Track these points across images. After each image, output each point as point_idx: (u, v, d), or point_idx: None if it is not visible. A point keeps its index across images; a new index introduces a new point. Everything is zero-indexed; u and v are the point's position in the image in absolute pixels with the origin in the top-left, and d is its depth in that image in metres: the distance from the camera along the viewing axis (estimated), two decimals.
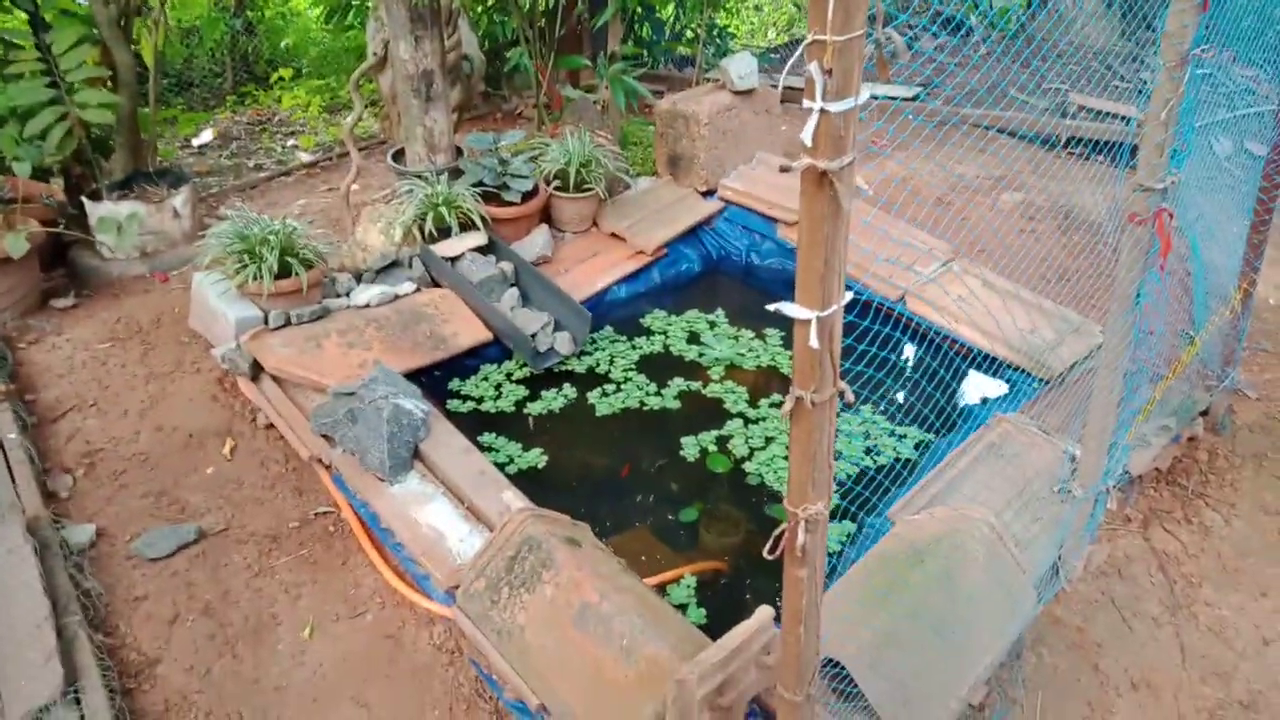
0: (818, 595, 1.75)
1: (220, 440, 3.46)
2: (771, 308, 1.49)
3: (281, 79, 7.19)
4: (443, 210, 4.15)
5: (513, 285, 4.18)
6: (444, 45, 4.37)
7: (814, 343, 1.43)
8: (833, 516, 3.16)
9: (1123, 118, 5.22)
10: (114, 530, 3.08)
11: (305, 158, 6.38)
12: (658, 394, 3.78)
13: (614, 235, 4.66)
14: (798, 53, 1.24)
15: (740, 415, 3.65)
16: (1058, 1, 6.90)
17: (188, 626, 2.75)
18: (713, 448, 3.48)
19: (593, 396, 3.77)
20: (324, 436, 3.26)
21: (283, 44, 7.44)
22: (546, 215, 4.63)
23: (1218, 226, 4.41)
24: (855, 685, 2.32)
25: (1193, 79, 2.27)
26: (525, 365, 3.92)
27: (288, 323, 3.77)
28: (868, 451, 3.43)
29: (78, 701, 2.37)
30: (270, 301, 3.75)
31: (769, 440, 3.50)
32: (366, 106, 6.60)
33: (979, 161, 5.36)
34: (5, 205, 4.30)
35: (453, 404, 3.74)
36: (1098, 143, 5.32)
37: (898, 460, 3.40)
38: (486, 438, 3.53)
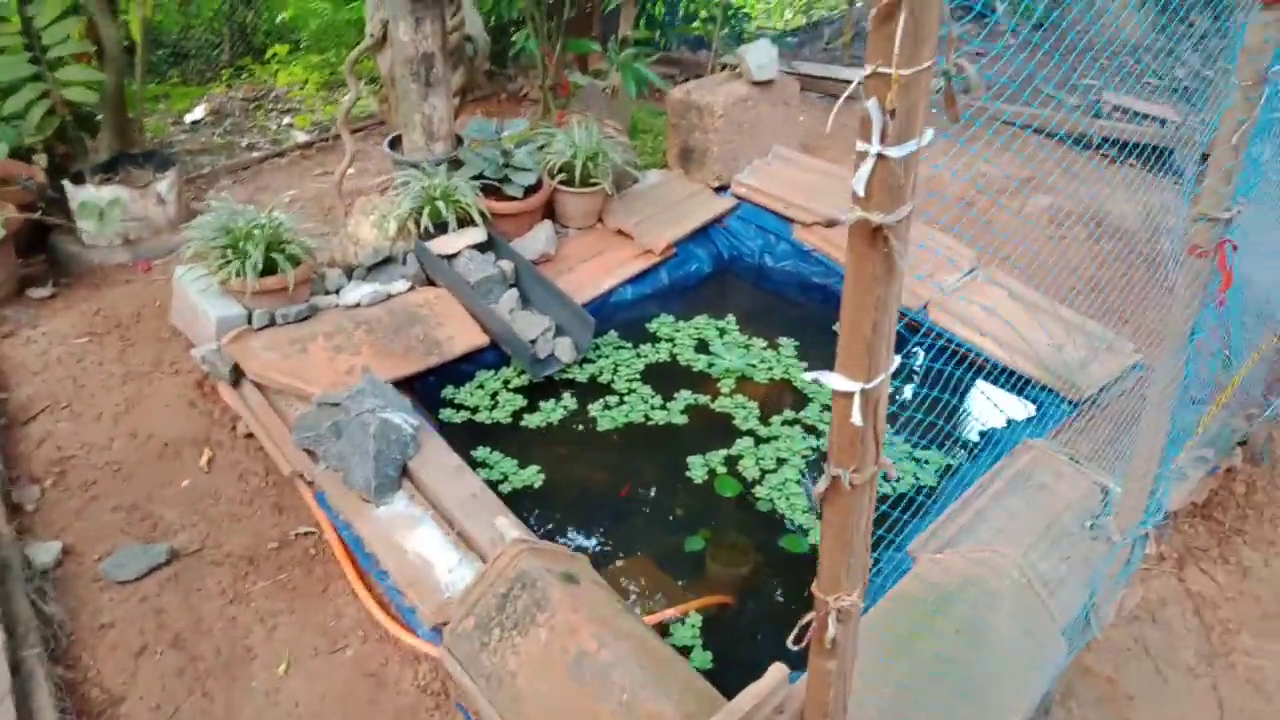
0: (846, 690, 1.55)
1: (198, 450, 3.26)
2: (809, 377, 1.29)
3: (277, 55, 6.91)
4: (440, 204, 3.92)
5: (512, 286, 3.96)
6: (445, 26, 4.12)
7: (857, 419, 1.22)
8: None
9: (1159, 119, 4.96)
10: (82, 548, 2.89)
11: (301, 138, 6.13)
12: (663, 407, 3.57)
13: (620, 232, 4.43)
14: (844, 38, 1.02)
15: (751, 433, 3.44)
16: None
17: (156, 659, 2.56)
18: (721, 469, 3.28)
19: (594, 409, 3.56)
20: (307, 451, 3.06)
21: (280, 17, 7.15)
22: (549, 210, 4.40)
23: (1255, 237, 4.17)
24: None
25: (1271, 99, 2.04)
26: (523, 372, 3.71)
27: (272, 323, 3.56)
28: (885, 478, 3.21)
29: None
30: (254, 300, 3.53)
31: (781, 462, 3.29)
32: (366, 84, 6.34)
33: (1005, 160, 5.11)
34: None
35: (446, 413, 3.53)
36: (1131, 145, 5.06)
37: (918, 488, 3.19)
38: (481, 452, 3.33)
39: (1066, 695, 2.62)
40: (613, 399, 3.62)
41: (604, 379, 3.74)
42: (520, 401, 3.61)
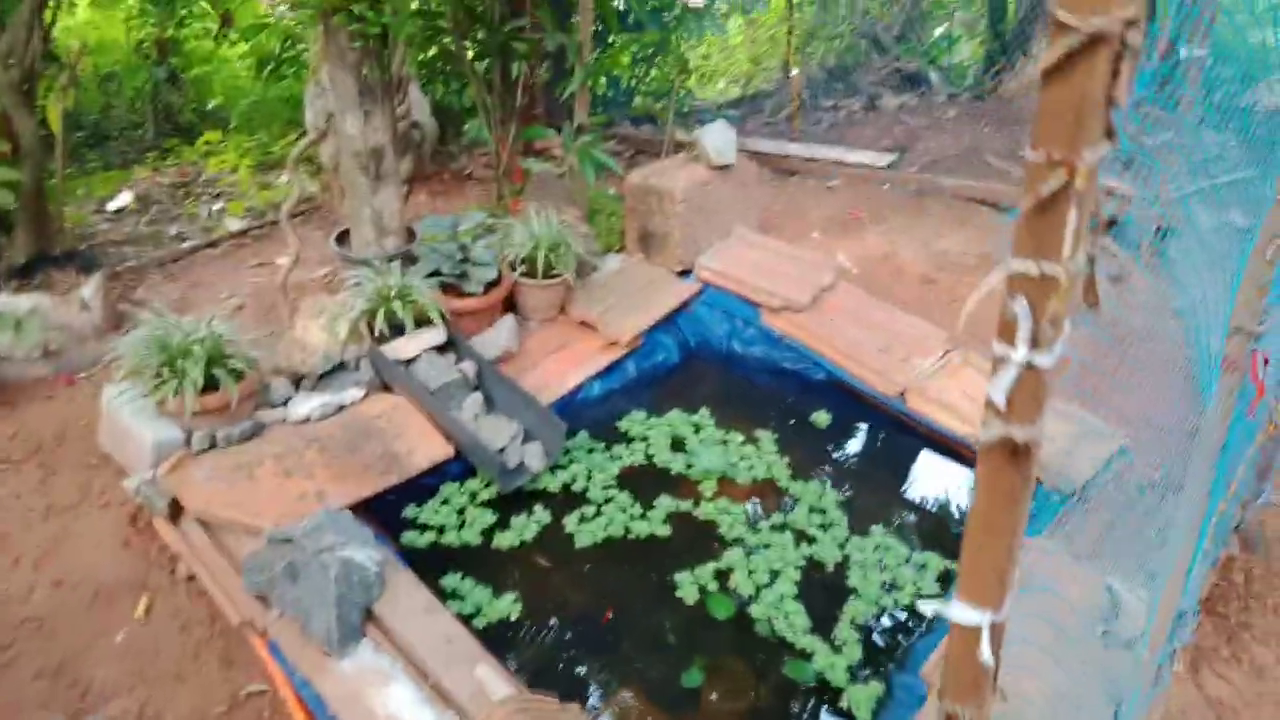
0: None
1: (133, 597, 2.92)
2: (927, 610, 1.10)
3: (209, 143, 6.62)
4: (395, 305, 3.69)
5: (475, 389, 3.72)
6: (395, 118, 3.92)
7: (987, 656, 1.03)
8: (857, 674, 2.78)
9: (1110, 192, 5.01)
10: None
11: (234, 226, 5.82)
12: (643, 517, 3.36)
13: (584, 323, 4.24)
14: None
15: (738, 541, 3.25)
16: (1025, 62, 6.76)
17: None
18: (712, 585, 3.06)
19: (570, 523, 3.32)
20: (258, 597, 2.75)
21: (209, 104, 6.89)
22: (510, 303, 4.20)
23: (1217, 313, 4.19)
24: None
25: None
26: (491, 484, 3.46)
27: (214, 444, 3.26)
28: (887, 588, 3.05)
29: None
30: (194, 420, 3.23)
31: (774, 574, 3.10)
32: (302, 164, 6.09)
33: (962, 235, 5.10)
34: None
35: (409, 536, 3.25)
36: None
37: (920, 597, 3.03)
38: (451, 580, 3.06)
39: None
40: (589, 509, 3.39)
41: (578, 487, 3.51)
42: (490, 517, 3.35)
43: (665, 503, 3.42)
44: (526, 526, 3.30)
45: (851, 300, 4.43)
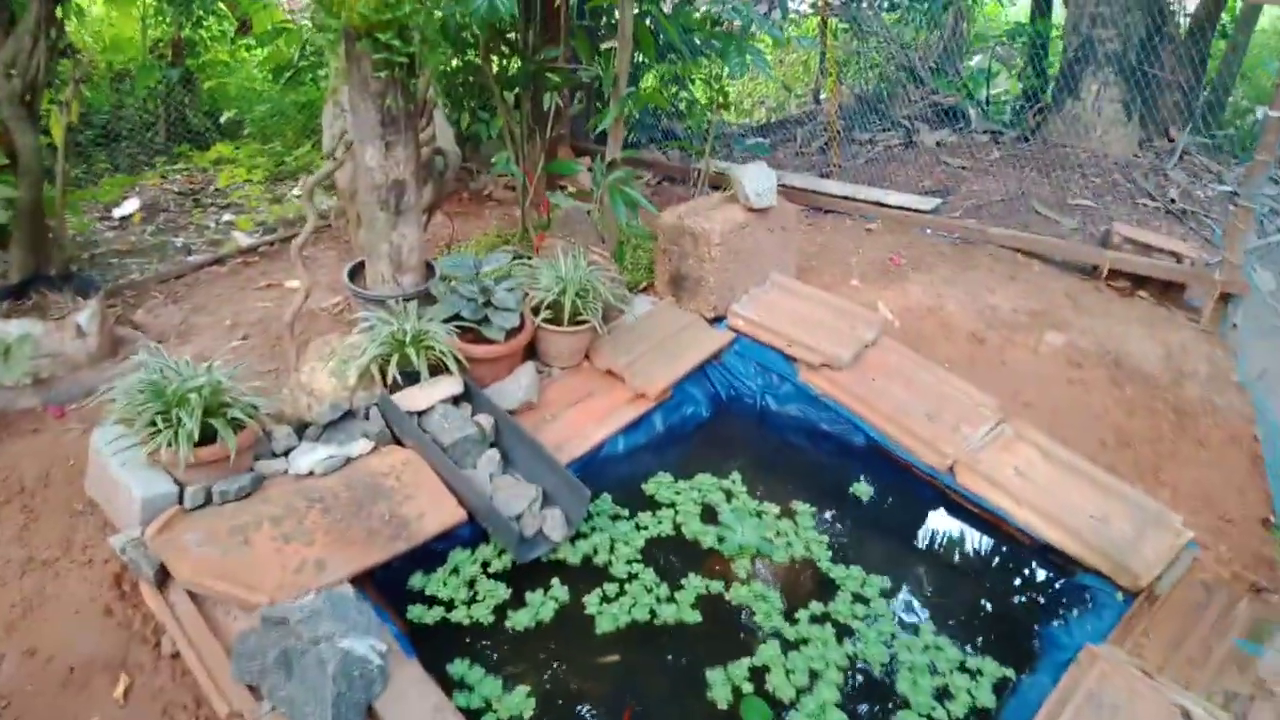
0: None
1: (111, 676, 2.65)
2: None
3: (221, 155, 6.38)
4: (410, 351, 3.43)
5: (492, 445, 3.46)
6: (419, 147, 3.67)
7: None
8: None
9: (1173, 254, 4.74)
10: None
11: (243, 240, 5.58)
12: (671, 599, 3.09)
13: (610, 372, 3.98)
14: None
15: (776, 634, 2.97)
16: (1073, 105, 6.49)
17: None
18: (747, 686, 2.78)
19: (590, 602, 3.05)
20: (249, 686, 2.49)
21: (224, 116, 6.65)
22: (531, 349, 3.93)
23: None
24: None
25: None
26: (505, 552, 3.19)
27: (208, 500, 3.00)
28: (940, 697, 2.77)
29: None
30: (188, 473, 2.97)
31: (815, 676, 2.82)
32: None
33: (1012, 290, 4.83)
34: None
35: (414, 611, 2.98)
36: (1142, 277, 4.84)
37: (975, 710, 2.75)
38: (459, 667, 2.78)
39: None
40: (611, 587, 3.12)
41: (600, 560, 3.24)
42: (503, 592, 3.07)
43: (695, 583, 3.15)
44: (543, 604, 3.03)
45: (895, 358, 4.16)
